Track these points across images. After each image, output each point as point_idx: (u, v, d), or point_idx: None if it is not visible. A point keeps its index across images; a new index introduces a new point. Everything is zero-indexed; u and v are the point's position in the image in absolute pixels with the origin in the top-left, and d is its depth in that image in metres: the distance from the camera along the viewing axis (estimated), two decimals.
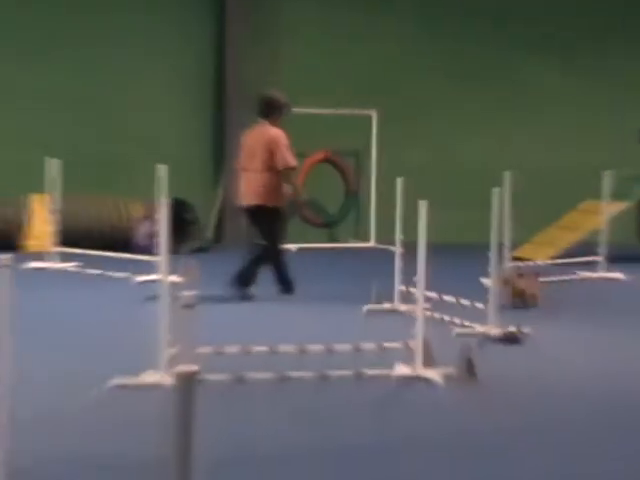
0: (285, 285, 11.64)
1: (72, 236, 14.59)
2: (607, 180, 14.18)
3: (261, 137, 11.71)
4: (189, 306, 3.39)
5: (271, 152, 11.58)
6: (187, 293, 3.41)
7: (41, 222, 15.01)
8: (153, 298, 7.84)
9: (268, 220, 11.56)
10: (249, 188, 11.69)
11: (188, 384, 3.14)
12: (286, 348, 8.05)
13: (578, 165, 18.24)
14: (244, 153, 11.80)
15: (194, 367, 3.23)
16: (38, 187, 14.40)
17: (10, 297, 4.42)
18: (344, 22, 17.71)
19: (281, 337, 8.70)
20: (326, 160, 17.41)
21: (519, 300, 11.24)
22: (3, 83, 16.31)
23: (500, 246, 10.47)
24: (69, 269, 13.22)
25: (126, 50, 16.88)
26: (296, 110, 17.44)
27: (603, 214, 14.21)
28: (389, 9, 17.84)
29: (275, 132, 11.64)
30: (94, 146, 16.72)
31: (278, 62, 17.54)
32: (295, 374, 7.65)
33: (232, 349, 7.92)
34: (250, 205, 11.67)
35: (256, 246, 11.62)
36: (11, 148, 16.33)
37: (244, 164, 11.78)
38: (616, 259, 14.08)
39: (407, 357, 7.90)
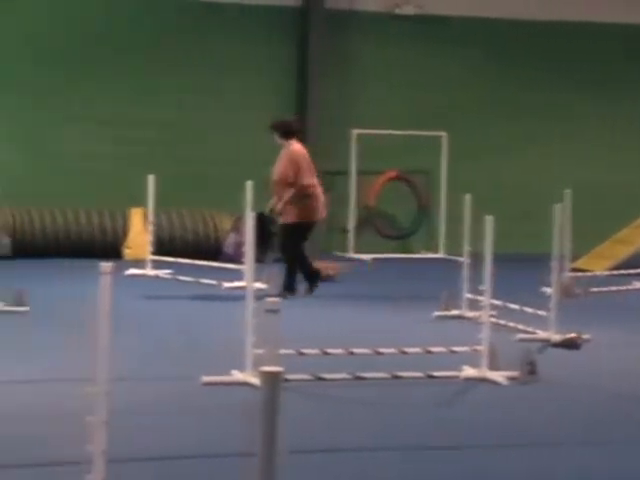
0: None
1: (167, 246, 14.68)
2: None
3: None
4: (273, 311, 3.38)
5: None
6: (271, 299, 3.39)
7: (139, 233, 15.10)
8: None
9: None
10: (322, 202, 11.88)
11: (273, 383, 3.11)
12: (361, 350, 8.01)
13: (631, 184, 17.98)
14: (312, 170, 11.77)
15: (278, 367, 3.19)
16: (138, 201, 14.48)
17: (110, 300, 4.43)
18: (417, 53, 17.64)
19: (356, 340, 8.65)
20: (398, 178, 17.35)
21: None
22: (115, 114, 16.48)
23: (560, 257, 10.32)
24: (163, 276, 13.28)
25: (216, 75, 16.93)
26: (373, 131, 17.47)
27: None
28: (458, 43, 17.77)
29: None
30: (188, 164, 16.81)
31: (355, 86, 17.50)
32: (369, 374, 7.61)
33: (311, 351, 7.88)
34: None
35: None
36: (116, 167, 16.47)
37: (315, 180, 11.81)
38: None
39: (474, 360, 7.81)
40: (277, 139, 11.89)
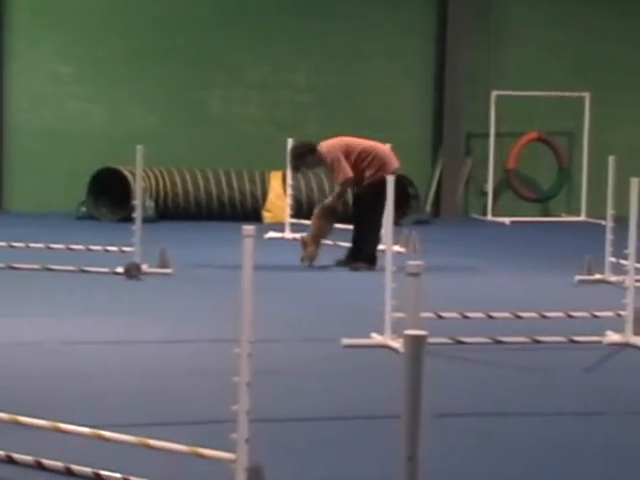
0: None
1: (305, 209, 14.79)
2: None
3: None
4: (415, 274, 3.38)
5: None
6: (414, 262, 3.41)
7: (278, 196, 15.24)
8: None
9: None
10: None
11: (418, 346, 3.13)
12: (500, 314, 7.96)
13: None
14: (352, 154, 10.93)
15: (422, 331, 3.21)
16: (277, 164, 14.60)
17: (253, 263, 4.49)
18: (557, 12, 17.31)
19: (495, 303, 8.61)
20: (539, 139, 17.12)
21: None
22: (260, 78, 16.63)
23: None
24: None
25: (352, 37, 16.92)
26: (513, 93, 17.23)
27: None
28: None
29: None
30: (330, 127, 16.85)
31: (494, 47, 17.27)
32: (509, 338, 7.56)
33: (450, 314, 7.87)
34: None
35: None
36: (257, 129, 16.64)
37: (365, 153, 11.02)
38: None
39: (618, 325, 7.69)
40: (312, 164, 11.12)
